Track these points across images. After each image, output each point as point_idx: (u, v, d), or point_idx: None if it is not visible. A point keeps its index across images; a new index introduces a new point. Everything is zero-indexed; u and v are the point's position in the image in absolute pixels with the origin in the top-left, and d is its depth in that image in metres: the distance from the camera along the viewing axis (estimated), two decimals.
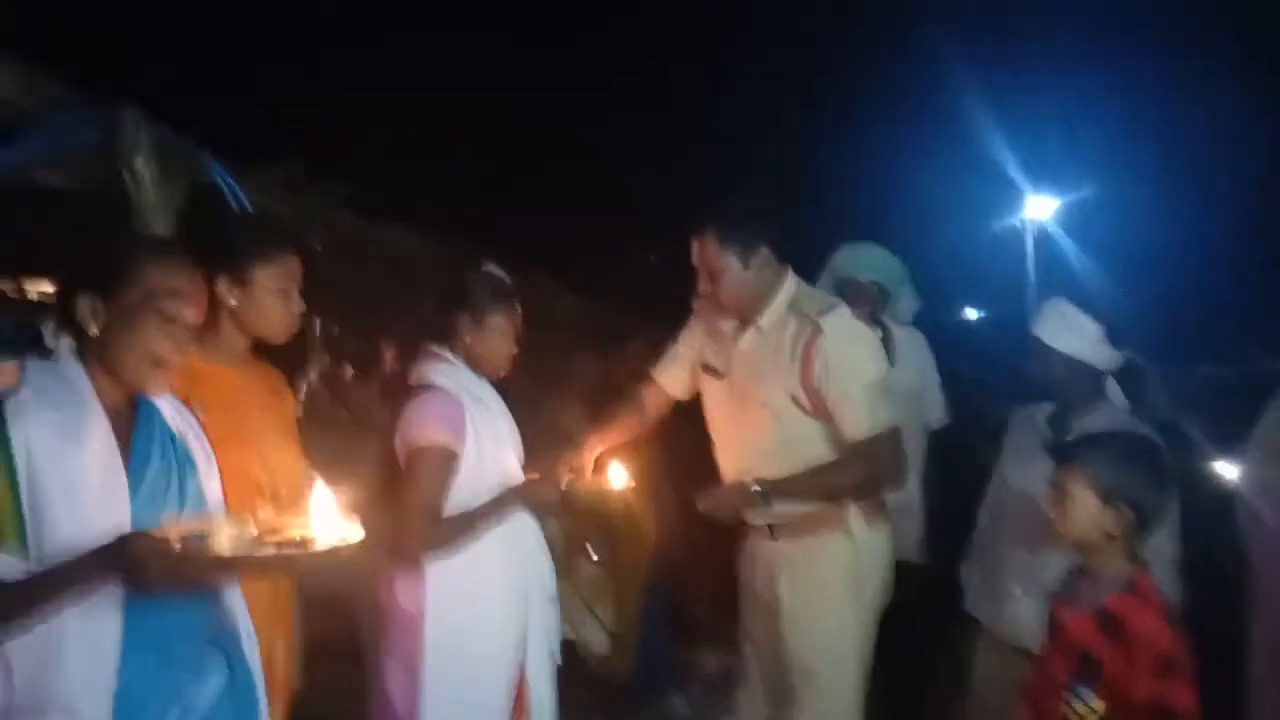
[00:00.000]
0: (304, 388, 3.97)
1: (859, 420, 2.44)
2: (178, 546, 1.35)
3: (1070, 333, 2.50)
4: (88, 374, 1.49)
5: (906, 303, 3.72)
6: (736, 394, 2.61)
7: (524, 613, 2.31)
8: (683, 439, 3.39)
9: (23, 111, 2.46)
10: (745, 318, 2.60)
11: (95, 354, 1.51)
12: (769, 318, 2.55)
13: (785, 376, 2.49)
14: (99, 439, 1.46)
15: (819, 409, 2.47)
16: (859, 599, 2.54)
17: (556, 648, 2.43)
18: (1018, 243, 17.20)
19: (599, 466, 2.60)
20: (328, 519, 1.50)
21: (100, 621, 1.39)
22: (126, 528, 1.42)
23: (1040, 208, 17.08)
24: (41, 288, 3.33)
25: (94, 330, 1.49)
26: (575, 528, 2.74)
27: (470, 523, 2.23)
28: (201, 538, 1.38)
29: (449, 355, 2.35)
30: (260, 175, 3.19)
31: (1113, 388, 2.61)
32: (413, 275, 3.94)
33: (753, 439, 2.57)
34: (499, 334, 2.39)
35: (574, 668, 2.57)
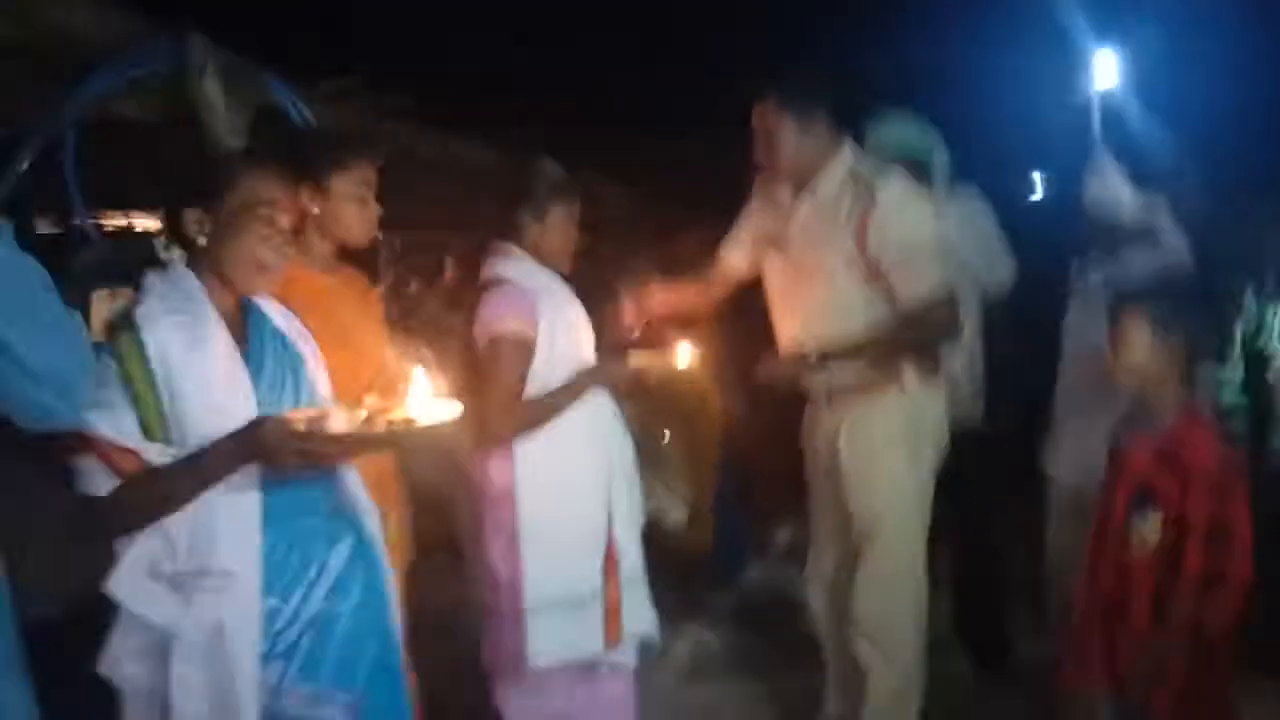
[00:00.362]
0: None
1: (914, 284, 2.51)
2: (302, 428, 1.51)
3: (1098, 184, 2.57)
4: (200, 282, 1.65)
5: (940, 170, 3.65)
6: (794, 262, 2.70)
7: (608, 482, 2.46)
8: (746, 320, 3.51)
9: (95, 47, 2.58)
10: (802, 185, 2.66)
11: (205, 263, 1.65)
12: (825, 184, 2.62)
13: (841, 242, 2.56)
14: (220, 340, 1.62)
15: (874, 274, 2.55)
16: (916, 455, 2.65)
17: (640, 516, 2.59)
18: (1084, 104, 16.53)
19: (667, 345, 2.72)
20: (428, 401, 1.65)
21: (243, 497, 1.57)
22: (253, 416, 1.58)
23: (1107, 67, 16.34)
24: (136, 217, 3.51)
25: (202, 241, 1.63)
26: (646, 407, 2.86)
27: (551, 403, 2.38)
28: (320, 421, 1.54)
29: (515, 250, 2.47)
30: (319, 89, 3.30)
31: (1173, 240, 2.65)
32: (473, 182, 4.04)
33: (810, 306, 2.67)
34: (560, 227, 2.49)
35: (654, 541, 2.74)
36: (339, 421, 1.54)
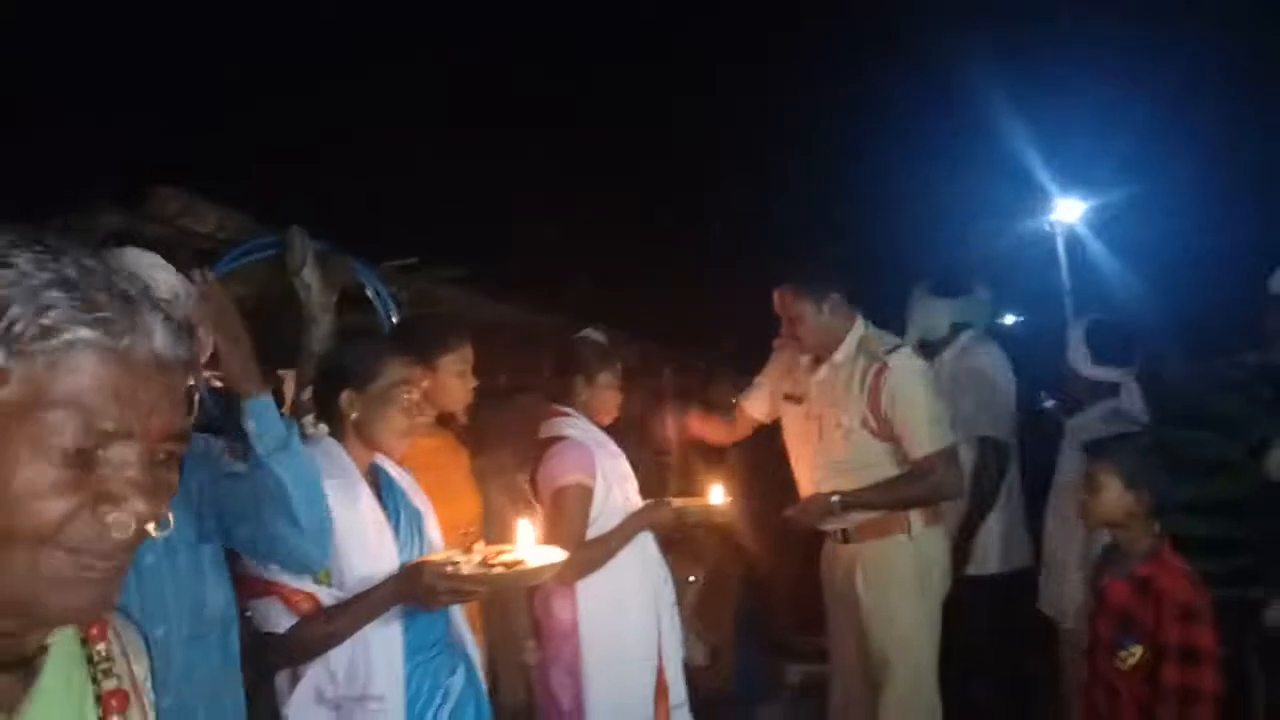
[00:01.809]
0: None
1: (921, 442, 2.94)
2: (450, 571, 1.87)
3: (1070, 346, 3.10)
4: (345, 449, 2.02)
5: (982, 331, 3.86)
6: (813, 418, 3.14)
7: (656, 615, 2.78)
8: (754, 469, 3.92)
9: (218, 242, 3.03)
10: (821, 355, 3.13)
11: (351, 434, 2.03)
12: (841, 354, 3.09)
13: (856, 404, 3.01)
14: (367, 498, 1.99)
15: (885, 432, 2.99)
16: (925, 589, 3.01)
17: (680, 647, 2.90)
18: (1049, 247, 17.43)
19: (701, 490, 3.08)
20: (533, 546, 2.01)
21: (389, 631, 1.91)
22: (397, 564, 1.94)
23: (1069, 211, 17.33)
24: None
25: (354, 416, 2.01)
26: (674, 555, 3.21)
27: (607, 544, 2.72)
28: (455, 565, 1.89)
29: (571, 411, 2.87)
30: (382, 264, 3.76)
31: (1131, 393, 3.07)
32: (519, 342, 4.49)
33: (828, 457, 3.09)
34: (607, 389, 2.91)
35: None
36: (464, 567, 1.89)
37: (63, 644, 0.78)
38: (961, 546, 3.39)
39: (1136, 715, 2.21)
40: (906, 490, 2.98)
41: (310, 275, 3.22)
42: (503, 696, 3.42)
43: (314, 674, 1.88)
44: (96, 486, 0.70)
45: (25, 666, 0.75)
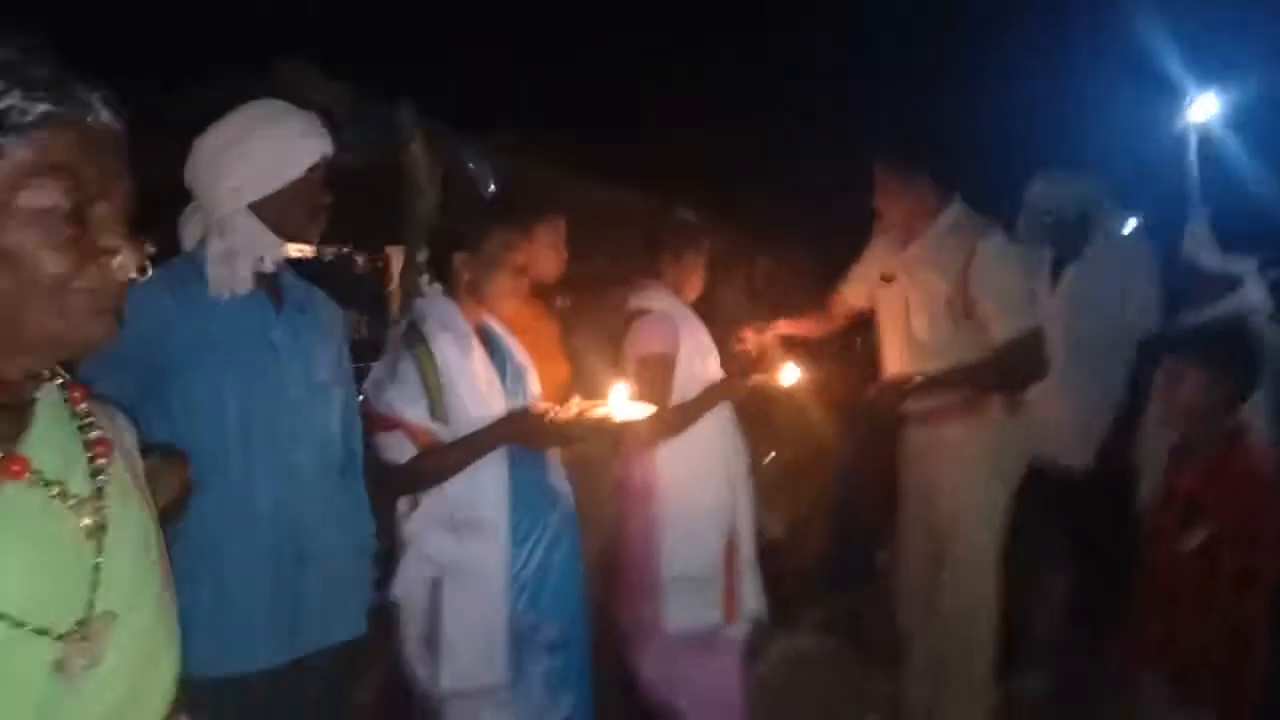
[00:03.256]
0: None
1: (1004, 325, 2.93)
2: (550, 416, 2.06)
3: (1190, 242, 2.94)
4: (458, 307, 2.20)
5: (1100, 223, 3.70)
6: (903, 298, 3.15)
7: (730, 480, 2.94)
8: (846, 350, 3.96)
9: (322, 108, 3.20)
10: (914, 232, 3.13)
11: (464, 294, 2.21)
12: (933, 235, 3.08)
13: (946, 285, 3.01)
14: (478, 351, 2.19)
15: (972, 314, 2.98)
16: (997, 474, 3.06)
17: (752, 513, 3.03)
18: (1182, 147, 16.41)
19: (776, 365, 3.14)
20: (625, 401, 2.18)
21: (497, 468, 2.14)
22: (503, 410, 2.15)
23: (1204, 108, 16.21)
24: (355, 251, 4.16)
25: (466, 278, 2.18)
26: (755, 430, 3.32)
27: (689, 412, 2.87)
28: (556, 413, 2.08)
29: (656, 284, 2.98)
30: (480, 142, 3.90)
31: (1255, 288, 3.00)
32: (613, 222, 4.61)
33: (915, 338, 3.11)
34: (692, 267, 3.01)
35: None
36: (564, 414, 2.07)
37: (51, 398, 0.91)
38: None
39: (1196, 592, 2.27)
40: (990, 373, 2.97)
41: (418, 149, 3.39)
42: (589, 547, 3.69)
43: (433, 499, 2.13)
44: (96, 240, 0.84)
45: (22, 410, 0.87)
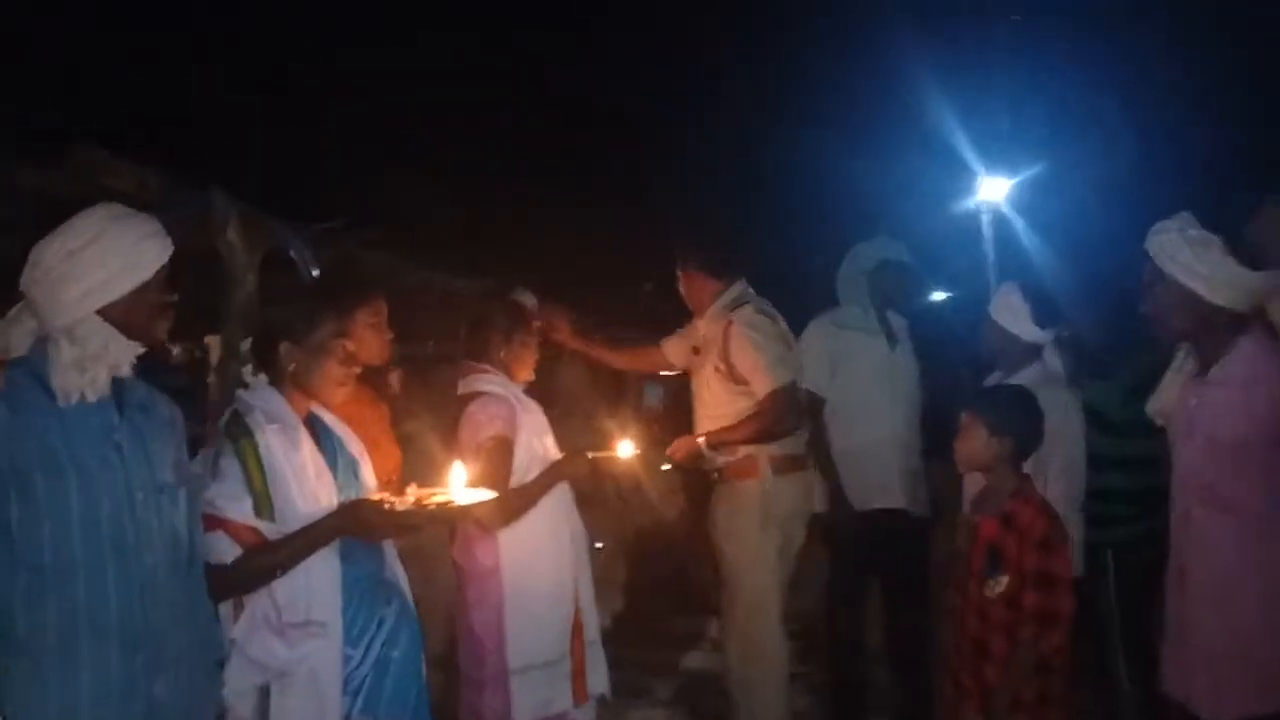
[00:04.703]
0: None
1: (758, 382, 3.36)
2: (385, 507, 2.01)
3: (1006, 311, 3.21)
4: (284, 398, 2.14)
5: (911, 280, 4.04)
6: (698, 369, 3.63)
7: (573, 560, 2.95)
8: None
9: (138, 202, 3.08)
10: (701, 314, 3.65)
11: (290, 384, 2.15)
12: (709, 314, 3.58)
13: (715, 356, 3.49)
14: (307, 442, 2.12)
15: (736, 377, 3.43)
16: (765, 531, 3.43)
17: (592, 588, 3.04)
18: (974, 225, 17.90)
19: (614, 446, 3.21)
20: (463, 488, 2.16)
21: (328, 564, 2.06)
22: (334, 504, 2.08)
23: (994, 189, 17.79)
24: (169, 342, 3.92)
25: (292, 368, 2.13)
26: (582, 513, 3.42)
27: (530, 493, 2.87)
28: (390, 504, 2.03)
29: (489, 368, 2.99)
30: (307, 230, 3.83)
31: (1053, 357, 3.25)
32: (446, 308, 4.59)
33: (706, 402, 3.58)
34: (523, 348, 3.05)
35: None
36: (403, 504, 2.03)
37: None
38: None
39: (1003, 636, 2.44)
40: (750, 426, 3.37)
41: (234, 235, 3.29)
42: (428, 642, 3.58)
43: (259, 601, 2.02)
44: None
45: None
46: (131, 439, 1.79)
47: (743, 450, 3.43)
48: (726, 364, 3.43)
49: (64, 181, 2.90)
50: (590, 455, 3.07)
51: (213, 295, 3.30)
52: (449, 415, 2.94)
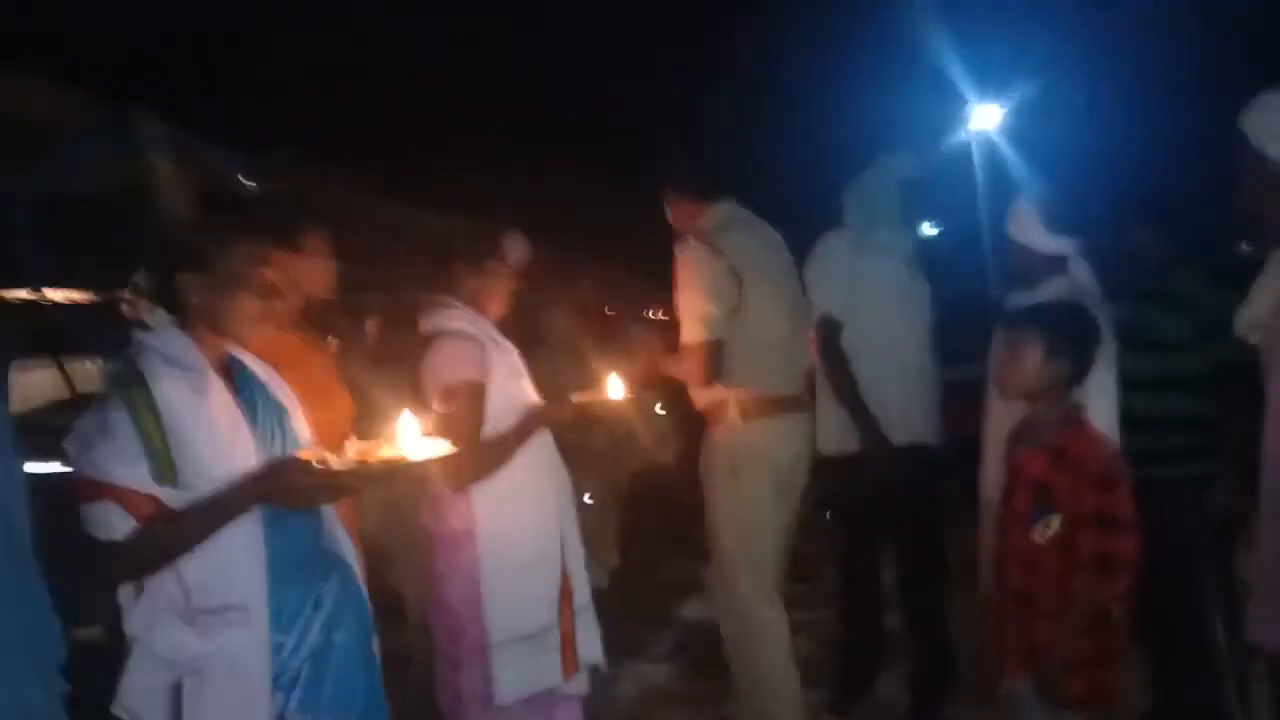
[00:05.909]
0: None
1: (684, 327, 3.20)
2: (314, 467, 1.66)
3: (1019, 223, 2.91)
4: (191, 339, 1.77)
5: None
6: None
7: (559, 515, 2.61)
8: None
9: (49, 127, 2.69)
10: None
11: (197, 321, 1.77)
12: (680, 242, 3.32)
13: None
14: (218, 391, 1.74)
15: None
16: (738, 476, 3.19)
17: (581, 547, 2.71)
18: (965, 154, 17.41)
19: (598, 381, 2.86)
20: (416, 440, 1.80)
21: (249, 537, 1.70)
22: (254, 462, 1.71)
23: (986, 117, 17.27)
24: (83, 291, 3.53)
25: (196, 301, 1.76)
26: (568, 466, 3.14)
27: (506, 444, 2.51)
28: (324, 462, 1.67)
29: (455, 302, 2.61)
30: (258, 159, 3.44)
31: (1081, 270, 2.96)
32: (399, 243, 4.20)
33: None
34: (494, 279, 2.65)
35: None
36: (335, 464, 1.68)
37: None
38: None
39: (1054, 586, 2.12)
40: (675, 367, 3.28)
41: (164, 167, 2.90)
42: (410, 612, 3.26)
43: (162, 585, 1.67)
44: None
45: None
46: None
47: (711, 393, 3.22)
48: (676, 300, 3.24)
49: None
50: (574, 399, 2.73)
51: (140, 235, 2.92)
52: (413, 358, 2.59)
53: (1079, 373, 2.24)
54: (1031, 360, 2.22)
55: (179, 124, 2.99)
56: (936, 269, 3.61)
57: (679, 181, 3.35)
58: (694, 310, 3.15)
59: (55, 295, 3.37)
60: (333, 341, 5.16)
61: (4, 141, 2.61)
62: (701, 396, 3.29)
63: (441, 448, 1.82)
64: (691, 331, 3.15)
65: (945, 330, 3.48)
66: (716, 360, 3.17)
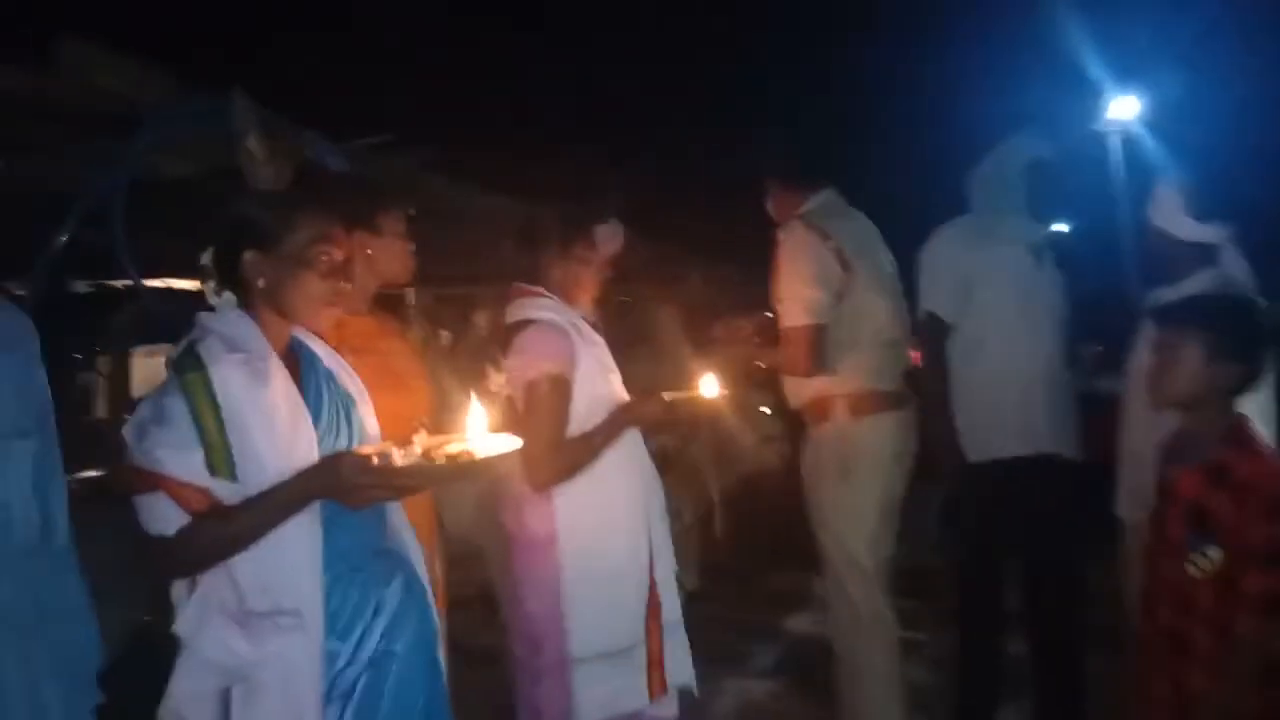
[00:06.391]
0: None
1: (783, 310, 3.00)
2: (375, 463, 1.53)
3: (1161, 210, 2.62)
4: (255, 322, 1.67)
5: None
6: None
7: (647, 523, 2.43)
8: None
9: (139, 107, 2.66)
10: None
11: (261, 304, 1.67)
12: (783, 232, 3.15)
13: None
14: (281, 378, 1.63)
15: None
16: (849, 477, 2.96)
17: (672, 559, 2.52)
18: (1102, 148, 16.46)
19: (691, 379, 2.67)
20: (485, 435, 1.67)
21: (306, 535, 1.58)
22: (315, 456, 1.60)
23: (1125, 109, 16.27)
24: (177, 278, 3.54)
25: (260, 283, 1.65)
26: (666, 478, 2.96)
27: (590, 443, 2.35)
28: (386, 457, 1.55)
29: (543, 291, 2.46)
30: (353, 145, 3.37)
31: (1233, 261, 2.67)
32: (500, 233, 4.09)
33: None
34: (583, 265, 2.49)
35: None
36: (399, 459, 1.55)
37: None
38: None
39: (1212, 629, 1.82)
40: (774, 357, 3.11)
41: (256, 146, 2.84)
42: (502, 612, 3.13)
43: (213, 584, 1.57)
44: None
45: None
46: None
47: (815, 389, 3.00)
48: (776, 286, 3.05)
49: (50, 82, 2.51)
50: (667, 396, 2.53)
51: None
52: (496, 351, 2.45)
53: (1247, 378, 1.92)
54: (1190, 362, 1.92)
55: (274, 108, 2.92)
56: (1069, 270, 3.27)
57: (777, 170, 3.20)
58: (797, 294, 2.95)
59: (153, 282, 3.39)
60: (445, 335, 5.09)
61: (95, 125, 2.60)
62: (800, 392, 3.08)
63: (511, 444, 1.67)
64: (794, 315, 2.95)
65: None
66: (820, 347, 2.95)
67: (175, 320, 1.79)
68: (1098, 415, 3.03)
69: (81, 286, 4.51)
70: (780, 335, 3.00)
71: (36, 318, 1.74)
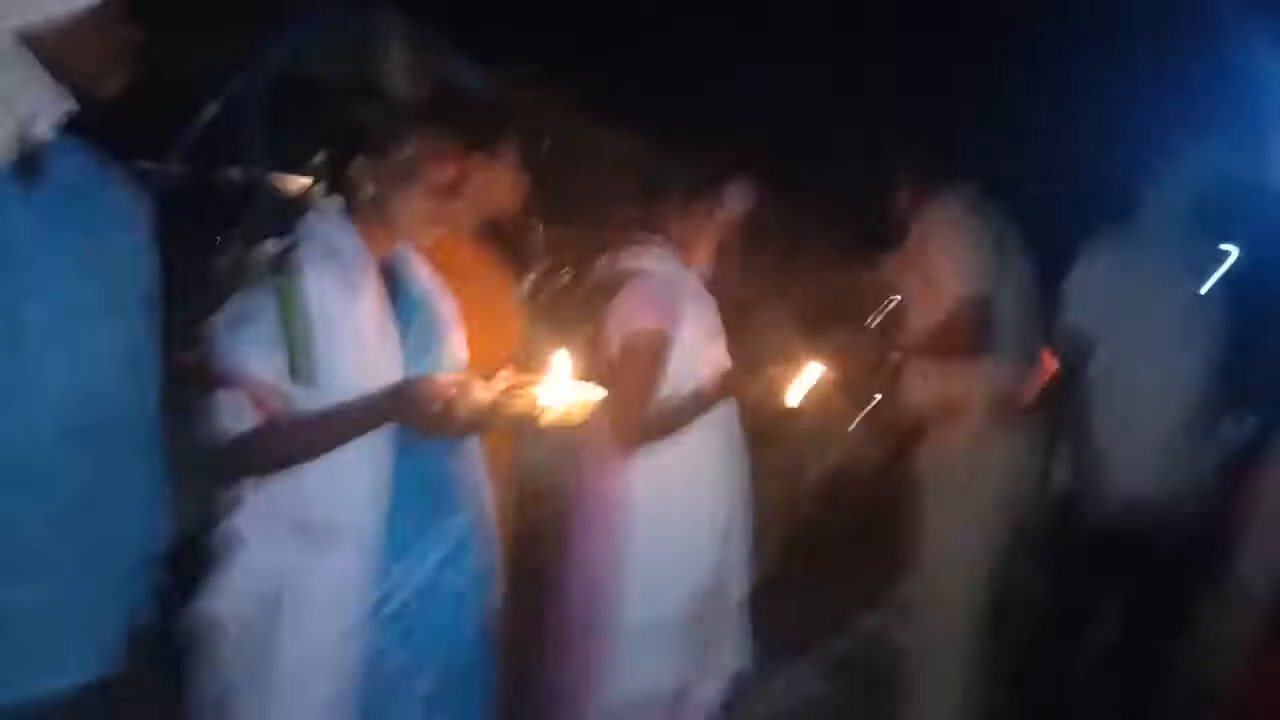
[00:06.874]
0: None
1: (947, 283, 2.77)
2: (453, 392, 1.50)
3: None
4: (358, 231, 1.63)
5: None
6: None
7: (728, 503, 2.33)
8: None
9: (289, 7, 2.68)
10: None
11: (365, 213, 1.64)
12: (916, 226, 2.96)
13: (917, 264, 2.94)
14: (374, 292, 1.61)
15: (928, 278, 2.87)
16: (971, 488, 2.75)
17: (747, 543, 2.42)
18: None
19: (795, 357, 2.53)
20: (567, 382, 1.61)
21: (377, 455, 1.56)
22: (398, 375, 1.58)
23: None
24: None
25: (368, 189, 1.62)
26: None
27: (684, 410, 2.24)
28: (464, 387, 1.51)
29: (656, 240, 2.35)
30: (497, 71, 3.33)
31: None
32: (631, 177, 4.01)
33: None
34: (703, 222, 2.37)
35: None
36: (479, 392, 1.51)
37: None
38: None
39: None
40: (942, 338, 2.78)
41: (400, 60, 2.83)
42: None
43: (277, 489, 1.57)
44: None
45: None
46: (41, 230, 1.24)
47: (946, 389, 2.78)
48: (923, 269, 2.82)
49: None
50: (769, 371, 2.39)
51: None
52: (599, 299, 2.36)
53: None
54: None
55: (422, 21, 2.91)
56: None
57: (913, 166, 3.00)
58: (958, 266, 2.74)
59: (279, 181, 3.44)
60: (567, 273, 5.05)
61: (238, 19, 2.62)
62: (926, 388, 2.86)
63: (593, 393, 1.60)
64: (958, 285, 2.72)
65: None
66: (989, 322, 2.73)
67: (286, 218, 1.78)
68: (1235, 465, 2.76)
69: (224, 175, 4.65)
70: (941, 317, 2.77)
71: (164, 202, 1.76)
